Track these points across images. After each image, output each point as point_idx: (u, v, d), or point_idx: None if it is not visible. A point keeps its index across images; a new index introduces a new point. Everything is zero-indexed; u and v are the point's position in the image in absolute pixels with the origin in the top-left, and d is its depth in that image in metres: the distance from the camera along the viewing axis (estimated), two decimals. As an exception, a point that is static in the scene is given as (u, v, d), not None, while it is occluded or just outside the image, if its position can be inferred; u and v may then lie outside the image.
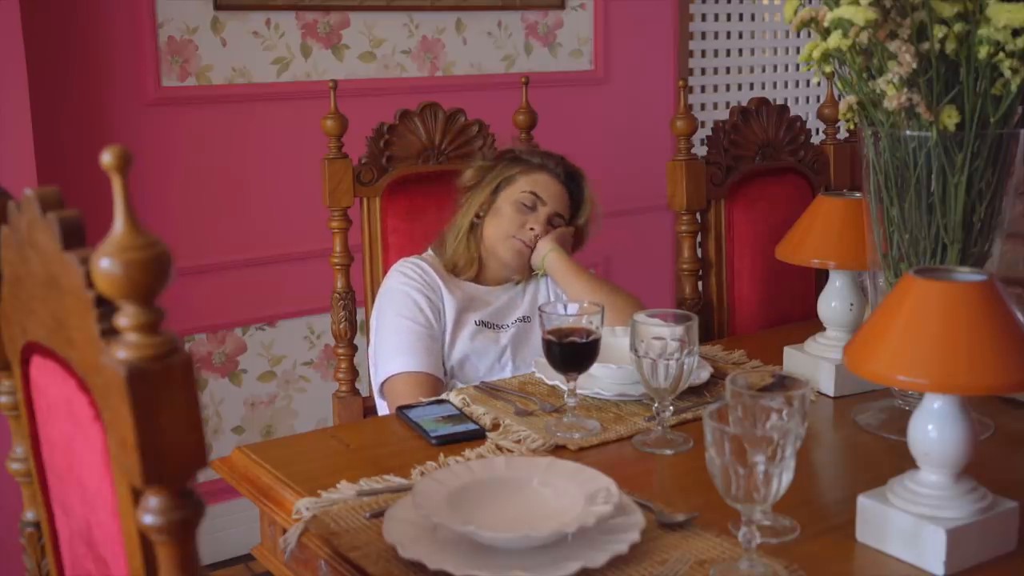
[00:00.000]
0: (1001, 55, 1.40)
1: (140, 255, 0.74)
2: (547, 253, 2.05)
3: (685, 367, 1.50)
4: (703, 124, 3.64)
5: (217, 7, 2.80)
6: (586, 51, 3.47)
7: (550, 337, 1.57)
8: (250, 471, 1.49)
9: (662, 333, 1.49)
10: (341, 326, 2.17)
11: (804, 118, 2.45)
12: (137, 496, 0.81)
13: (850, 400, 1.74)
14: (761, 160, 2.36)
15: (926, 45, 1.42)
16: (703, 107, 3.81)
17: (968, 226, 1.50)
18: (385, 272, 2.16)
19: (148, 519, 0.78)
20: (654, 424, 1.58)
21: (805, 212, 1.92)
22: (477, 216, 2.09)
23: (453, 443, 1.54)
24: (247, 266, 2.95)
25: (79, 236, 0.85)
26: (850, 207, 1.83)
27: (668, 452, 1.53)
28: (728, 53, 3.86)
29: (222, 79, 2.84)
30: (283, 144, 2.95)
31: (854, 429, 1.63)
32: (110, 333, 0.78)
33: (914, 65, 1.40)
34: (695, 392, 1.72)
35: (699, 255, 2.31)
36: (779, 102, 2.40)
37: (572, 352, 1.57)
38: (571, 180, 2.13)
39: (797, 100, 4.10)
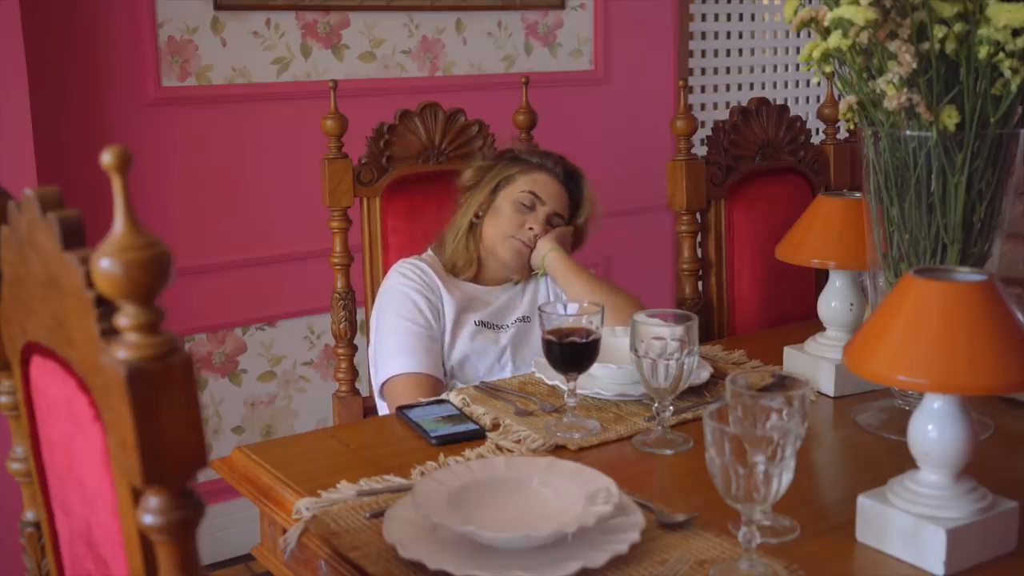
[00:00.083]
0: (1001, 55, 1.40)
1: (140, 255, 0.74)
2: (547, 253, 2.05)
3: (685, 367, 1.50)
4: (703, 124, 3.64)
5: (217, 7, 2.80)
6: (586, 51, 3.47)
7: (550, 337, 1.57)
8: (250, 471, 1.49)
9: (662, 333, 1.49)
10: (341, 326, 2.17)
11: (804, 118, 2.45)
12: (137, 496, 0.81)
13: (850, 400, 1.73)
14: (761, 160, 2.36)
15: (926, 45, 1.42)
16: (703, 107, 3.81)
17: (968, 226, 1.50)
18: (385, 272, 2.16)
19: (148, 519, 0.78)
20: (654, 424, 1.58)
21: (805, 212, 1.92)
22: (476, 216, 2.09)
23: (453, 443, 1.54)
24: (247, 266, 2.95)
25: (79, 236, 0.85)
26: (850, 207, 1.83)
27: (668, 452, 1.53)
28: (728, 53, 3.86)
29: (222, 79, 2.84)
30: (283, 144, 2.95)
31: (854, 429, 1.63)
32: (110, 333, 0.78)
33: (914, 65, 1.40)
34: (695, 392, 1.72)
35: (699, 255, 2.31)
36: (779, 102, 2.40)
37: (572, 352, 1.57)
38: (570, 179, 2.13)
39: (797, 100, 4.10)
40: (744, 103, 2.35)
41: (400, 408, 1.69)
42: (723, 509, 1.18)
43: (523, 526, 1.22)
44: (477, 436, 1.57)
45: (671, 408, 1.55)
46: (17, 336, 1.03)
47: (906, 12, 1.41)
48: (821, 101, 2.60)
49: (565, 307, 1.63)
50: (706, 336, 2.17)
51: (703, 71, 3.80)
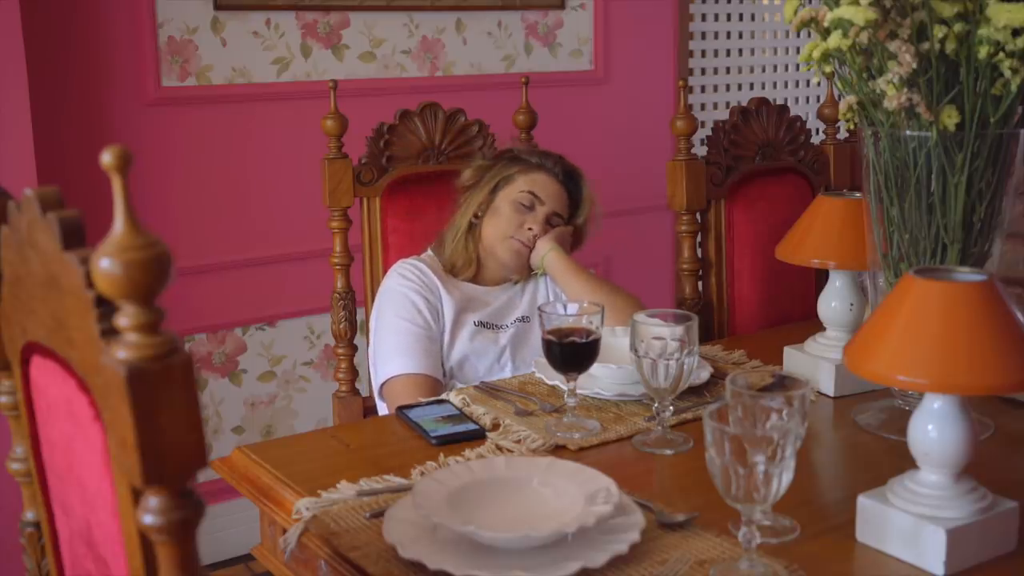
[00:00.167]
0: (1001, 55, 1.40)
1: (140, 255, 0.74)
2: (546, 253, 2.05)
3: (685, 367, 1.50)
4: (703, 124, 3.64)
5: (217, 7, 2.80)
6: (586, 51, 3.47)
7: (550, 337, 1.57)
8: (250, 471, 1.49)
9: (662, 333, 1.49)
10: (341, 326, 2.17)
11: (804, 118, 2.45)
12: (137, 496, 0.81)
13: (850, 400, 1.73)
14: (761, 160, 2.36)
15: (926, 45, 1.42)
16: (703, 107, 3.81)
17: (968, 226, 1.50)
18: (385, 272, 2.16)
19: (148, 519, 0.78)
20: (654, 424, 1.58)
21: (805, 212, 1.92)
22: (475, 216, 2.09)
23: (453, 443, 1.54)
24: (247, 266, 2.95)
25: (79, 236, 0.85)
26: (850, 207, 1.83)
27: (668, 452, 1.53)
28: (728, 53, 3.86)
29: (222, 79, 2.84)
30: (283, 144, 2.95)
31: (854, 429, 1.63)
32: (110, 333, 0.78)
33: (914, 65, 1.40)
34: (695, 392, 1.72)
35: (699, 255, 2.31)
36: (779, 102, 2.40)
37: (572, 352, 1.57)
38: (569, 179, 2.13)
39: (797, 100, 4.10)
40: (744, 103, 2.35)
41: (400, 408, 1.69)
42: (723, 509, 1.18)
43: (523, 526, 1.22)
44: (477, 436, 1.57)
45: (671, 408, 1.55)
46: (17, 336, 1.03)
47: (906, 12, 1.41)
48: (821, 101, 2.60)
49: (565, 307, 1.63)
50: (706, 336, 2.17)
51: (703, 71, 3.80)
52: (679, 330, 1.49)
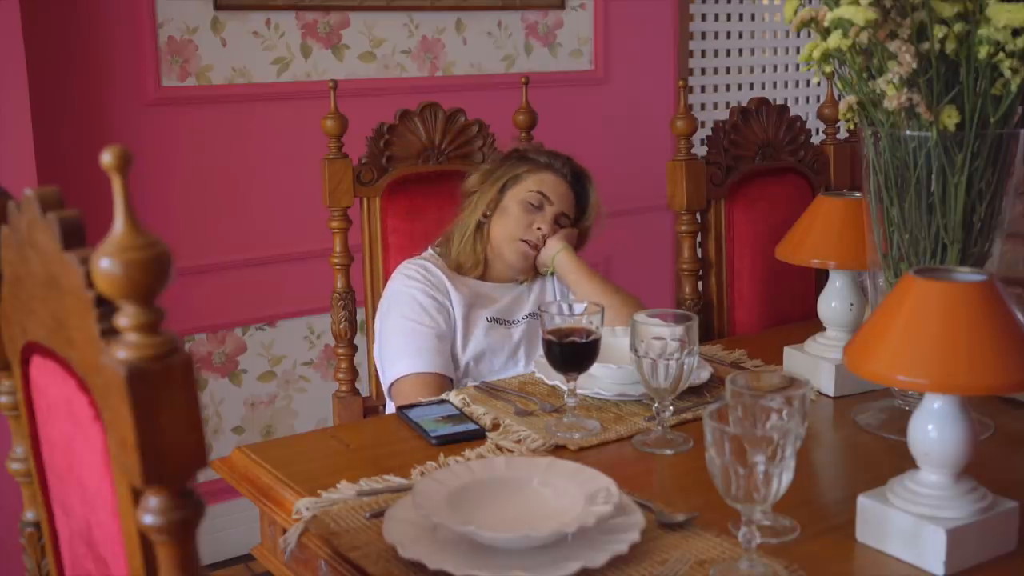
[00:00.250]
0: (1001, 55, 1.40)
1: (140, 255, 0.74)
2: (557, 252, 2.05)
3: (685, 367, 1.50)
4: (703, 124, 3.64)
5: (217, 7, 2.79)
6: (586, 51, 3.47)
7: (550, 337, 1.57)
8: (250, 471, 1.49)
9: (662, 333, 1.49)
10: (341, 326, 2.17)
11: (804, 118, 2.45)
12: (137, 496, 0.81)
13: (850, 400, 1.73)
14: (761, 160, 2.36)
15: (926, 45, 1.42)
16: (703, 107, 3.81)
17: (968, 226, 1.50)
18: (385, 272, 2.16)
19: (148, 519, 0.78)
20: (654, 424, 1.58)
21: (805, 212, 1.92)
22: (484, 215, 2.08)
23: (453, 443, 1.54)
24: (247, 266, 2.95)
25: (79, 236, 0.85)
26: (850, 207, 1.83)
27: (668, 452, 1.53)
28: (728, 53, 3.86)
29: (222, 79, 2.84)
30: (283, 144, 2.95)
31: (854, 429, 1.63)
32: (110, 333, 0.78)
33: (914, 65, 1.40)
34: (695, 392, 1.72)
35: (699, 255, 2.31)
36: (779, 102, 2.40)
37: (572, 352, 1.57)
38: (577, 181, 2.13)
39: (797, 100, 4.10)
40: (744, 103, 2.35)
41: (400, 408, 1.69)
42: (723, 509, 1.18)
43: (523, 526, 1.22)
44: (477, 436, 1.57)
45: (671, 408, 1.55)
46: (17, 336, 1.03)
47: (906, 12, 1.41)
48: (821, 101, 2.60)
49: (571, 307, 1.63)
50: (706, 336, 2.17)
51: (703, 71, 3.80)
52: (679, 330, 1.49)
